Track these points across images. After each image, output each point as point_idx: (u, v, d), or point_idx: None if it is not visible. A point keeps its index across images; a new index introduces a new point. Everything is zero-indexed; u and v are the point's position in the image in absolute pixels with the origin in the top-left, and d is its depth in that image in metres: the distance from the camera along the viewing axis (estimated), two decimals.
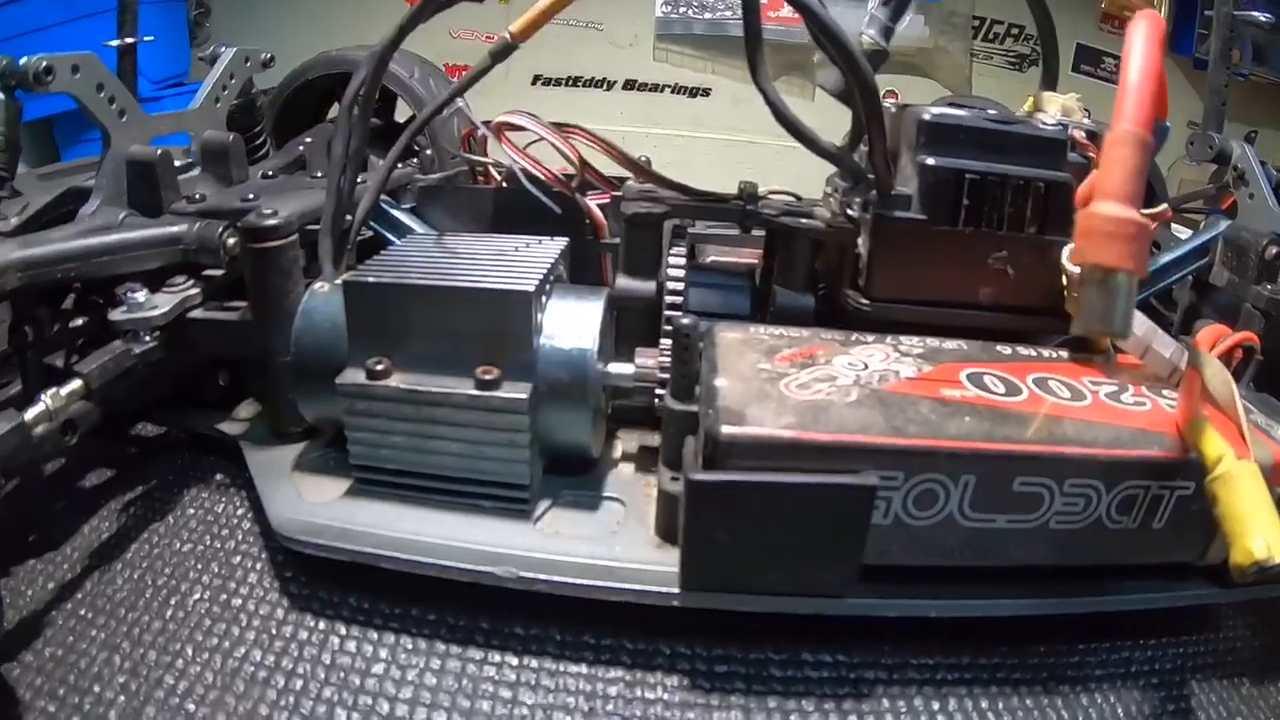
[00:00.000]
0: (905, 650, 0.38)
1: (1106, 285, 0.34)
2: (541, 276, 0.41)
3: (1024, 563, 0.36)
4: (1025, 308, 0.44)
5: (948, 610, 0.36)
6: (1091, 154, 0.48)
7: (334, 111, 0.83)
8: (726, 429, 0.32)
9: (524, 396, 0.39)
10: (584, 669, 0.37)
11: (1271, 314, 0.54)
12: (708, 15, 1.36)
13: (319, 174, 0.62)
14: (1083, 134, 0.49)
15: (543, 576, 0.37)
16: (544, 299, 0.42)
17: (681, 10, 1.97)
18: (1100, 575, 0.39)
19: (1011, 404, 0.36)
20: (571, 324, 0.41)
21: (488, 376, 0.39)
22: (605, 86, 2.27)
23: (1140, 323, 0.41)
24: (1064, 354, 0.42)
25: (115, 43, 0.79)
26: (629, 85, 2.26)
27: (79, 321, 0.48)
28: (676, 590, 0.36)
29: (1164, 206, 0.51)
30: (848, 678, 0.37)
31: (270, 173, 0.61)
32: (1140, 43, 0.35)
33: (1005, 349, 0.41)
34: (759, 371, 0.36)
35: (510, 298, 0.39)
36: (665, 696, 0.36)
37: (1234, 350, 0.44)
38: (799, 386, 0.35)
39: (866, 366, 0.37)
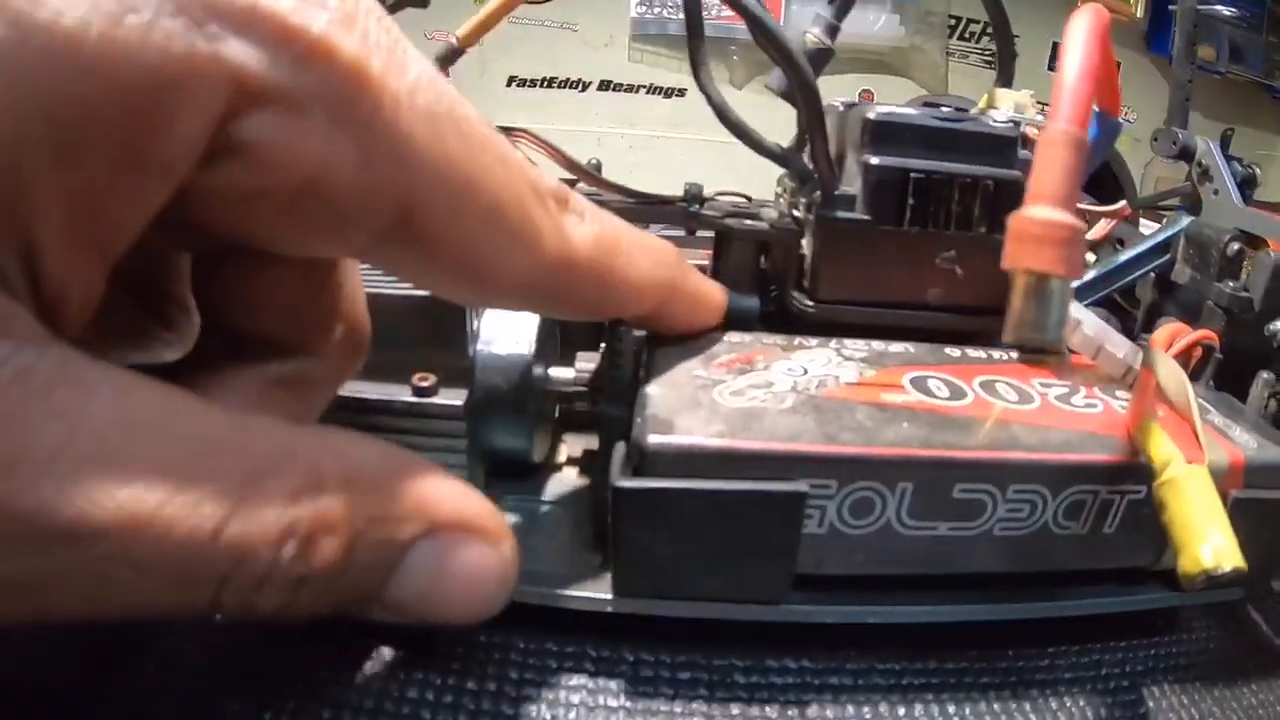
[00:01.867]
0: (871, 655, 0.37)
1: (1039, 292, 0.33)
2: None
3: (971, 570, 0.35)
4: (975, 307, 0.43)
5: (887, 617, 0.35)
6: None
7: None
8: (654, 438, 0.31)
9: (458, 404, 0.38)
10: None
11: (1233, 311, 0.53)
12: (683, 15, 1.34)
13: None
14: (1035, 131, 0.48)
15: None
16: None
17: (656, 10, 1.96)
18: (1054, 580, 0.38)
19: (955, 408, 0.35)
20: (509, 330, 0.40)
21: (424, 383, 0.38)
22: (580, 87, 2.26)
23: (1091, 322, 0.40)
24: (1015, 355, 0.41)
25: None
26: (604, 86, 2.25)
27: None
28: (609, 596, 0.34)
29: (1121, 204, 0.51)
30: (812, 684, 0.36)
31: None
32: (1080, 37, 0.34)
33: (954, 351, 0.40)
34: (694, 378, 0.35)
35: (444, 304, 0.38)
36: (628, 704, 0.34)
37: (1192, 349, 0.44)
38: (733, 394, 0.34)
39: (806, 372, 0.36)
